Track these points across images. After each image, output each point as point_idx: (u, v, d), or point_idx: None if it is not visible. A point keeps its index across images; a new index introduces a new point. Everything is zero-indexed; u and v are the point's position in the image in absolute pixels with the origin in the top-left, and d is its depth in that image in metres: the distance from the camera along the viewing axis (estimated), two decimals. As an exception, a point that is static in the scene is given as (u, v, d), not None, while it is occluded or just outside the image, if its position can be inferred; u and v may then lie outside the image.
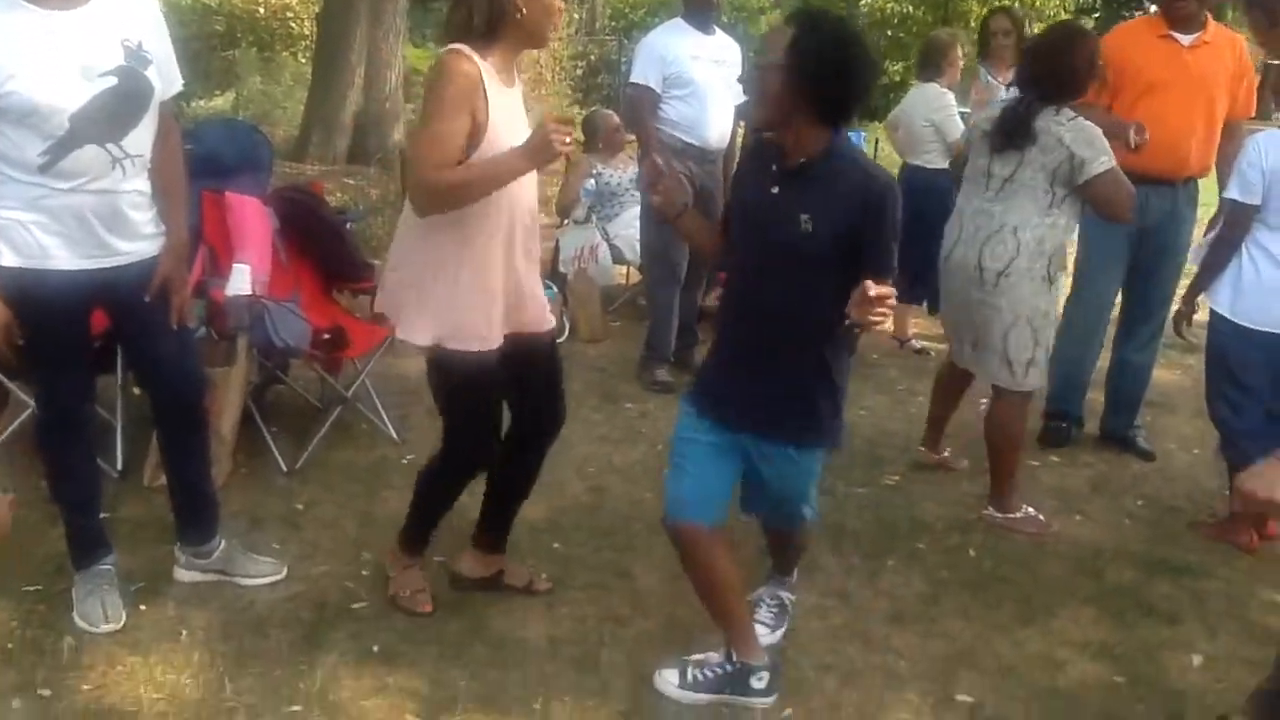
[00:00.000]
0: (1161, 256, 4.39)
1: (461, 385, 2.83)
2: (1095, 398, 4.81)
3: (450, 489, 3.05)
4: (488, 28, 2.63)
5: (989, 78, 5.62)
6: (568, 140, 2.49)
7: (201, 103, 12.93)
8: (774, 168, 2.59)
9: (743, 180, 2.82)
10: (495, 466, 3.07)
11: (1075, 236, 3.85)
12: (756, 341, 2.68)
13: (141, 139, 2.73)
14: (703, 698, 2.80)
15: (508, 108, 2.71)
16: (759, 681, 2.79)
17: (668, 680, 2.83)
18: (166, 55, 2.79)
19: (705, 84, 5.04)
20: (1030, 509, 3.97)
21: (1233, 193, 3.63)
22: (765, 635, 3.02)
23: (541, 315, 2.98)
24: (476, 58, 2.61)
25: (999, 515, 3.93)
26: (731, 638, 2.83)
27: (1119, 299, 4.64)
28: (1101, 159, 3.56)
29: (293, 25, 15.36)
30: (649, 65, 5.09)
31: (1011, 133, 3.64)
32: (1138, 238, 4.39)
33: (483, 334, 2.77)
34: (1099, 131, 3.61)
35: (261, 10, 15.44)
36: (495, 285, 2.78)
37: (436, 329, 2.77)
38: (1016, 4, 14.23)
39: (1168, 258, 4.39)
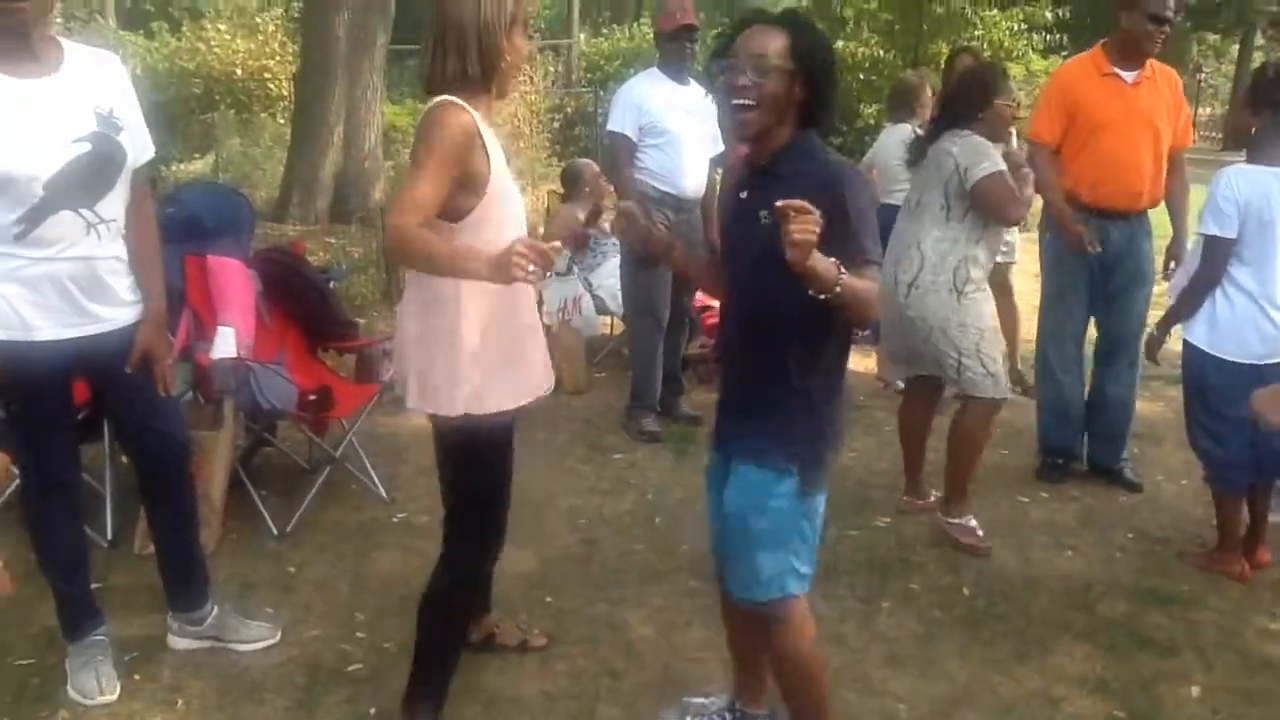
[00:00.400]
0: (1128, 287, 4.48)
1: (483, 448, 2.69)
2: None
3: (466, 607, 2.89)
4: (483, 76, 2.56)
5: None
6: (530, 270, 2.24)
7: (181, 166, 12.98)
8: (745, 173, 2.53)
9: (722, 202, 2.78)
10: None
11: (984, 248, 3.93)
12: (733, 354, 2.58)
13: (114, 205, 2.75)
14: None
15: (502, 153, 2.64)
16: None
17: None
18: (137, 122, 2.82)
19: (680, 133, 5.11)
20: (973, 521, 4.06)
21: (1210, 228, 3.66)
22: None
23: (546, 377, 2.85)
24: (469, 108, 2.51)
25: (944, 519, 4.09)
26: (741, 685, 2.83)
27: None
28: (984, 165, 3.80)
29: (270, 86, 15.46)
30: (626, 114, 5.16)
31: (915, 156, 4.09)
32: (1099, 270, 4.48)
33: (501, 396, 2.63)
34: (984, 144, 3.87)
35: (239, 72, 15.54)
36: (516, 343, 2.69)
37: (467, 397, 2.59)
38: (985, 45, 14.47)
39: (1134, 288, 4.47)
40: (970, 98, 3.97)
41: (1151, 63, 4.42)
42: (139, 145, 2.82)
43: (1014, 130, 5.52)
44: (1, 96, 2.55)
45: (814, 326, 2.36)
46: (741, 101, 2.35)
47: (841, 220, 2.26)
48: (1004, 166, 3.84)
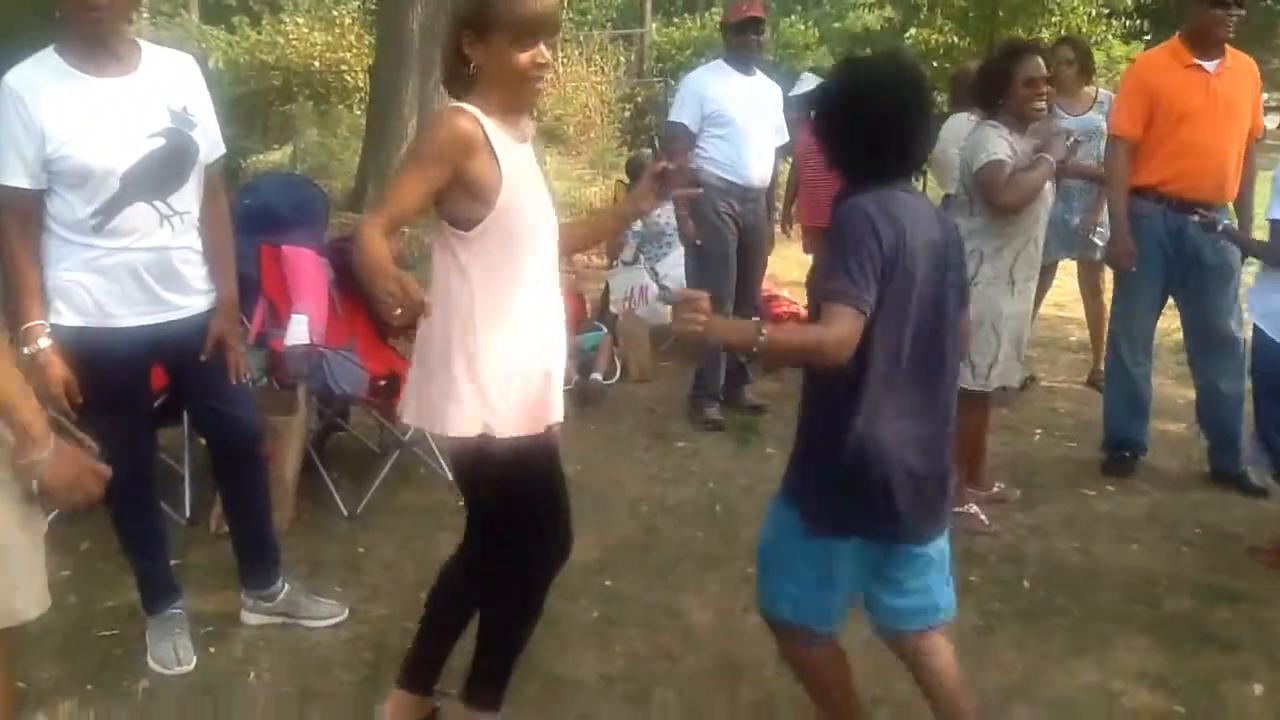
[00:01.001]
0: (1213, 285, 4.38)
1: (510, 480, 2.49)
2: (1159, 427, 4.79)
3: (469, 612, 2.75)
4: (461, 89, 2.43)
5: (1057, 109, 5.58)
6: (397, 313, 2.16)
7: (260, 156, 13.27)
8: None
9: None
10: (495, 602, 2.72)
11: (1001, 243, 3.87)
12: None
13: (187, 197, 2.86)
14: None
15: (520, 163, 2.45)
16: None
17: None
18: (210, 120, 2.93)
19: (744, 123, 5.13)
20: (974, 507, 4.07)
21: (1274, 212, 3.64)
22: None
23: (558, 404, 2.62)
24: (479, 114, 2.36)
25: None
26: None
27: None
28: (980, 155, 3.78)
29: (347, 78, 15.71)
30: (686, 104, 5.21)
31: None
32: (1178, 266, 4.41)
33: (528, 417, 2.49)
34: (992, 134, 3.81)
35: (317, 64, 15.82)
36: (525, 366, 2.49)
37: (484, 417, 2.43)
38: (1063, 30, 14.20)
39: (1217, 283, 4.37)
40: (985, 88, 3.92)
41: (1230, 51, 4.35)
42: (211, 142, 2.94)
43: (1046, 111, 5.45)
44: (83, 94, 2.68)
45: (832, 374, 2.25)
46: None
47: (826, 260, 2.28)
48: (1002, 155, 3.74)
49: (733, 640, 3.29)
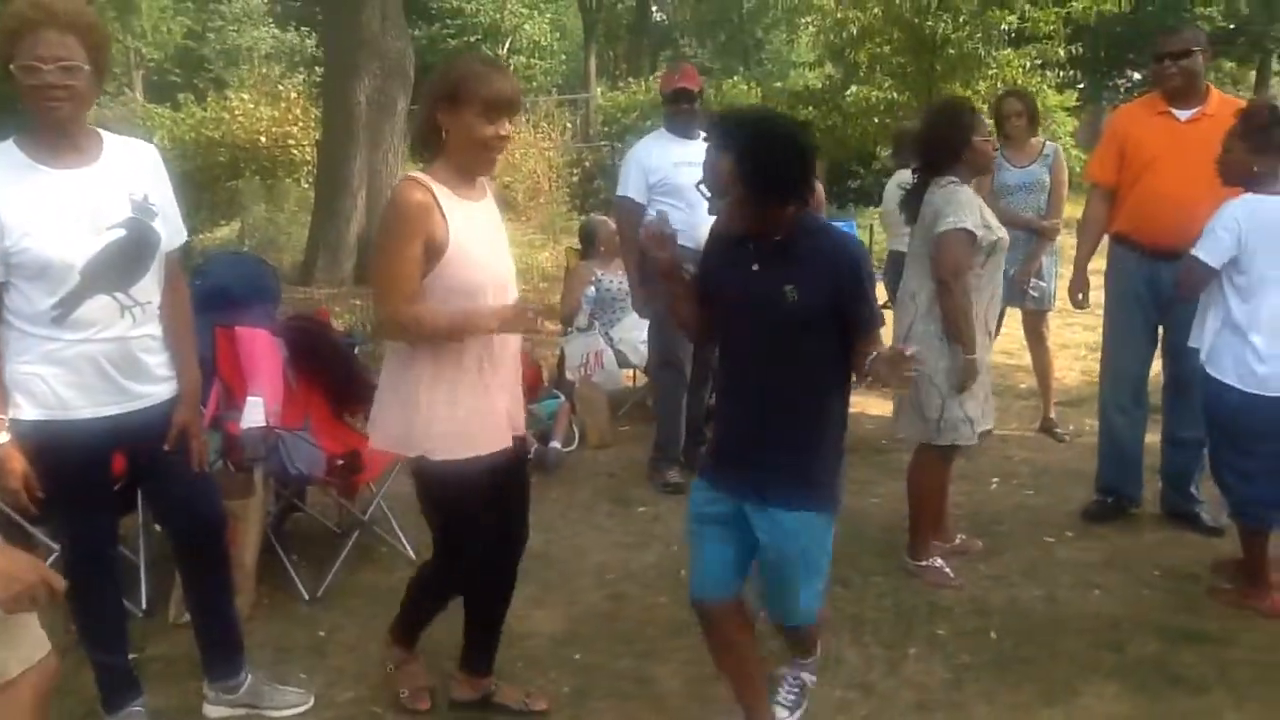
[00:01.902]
0: (1185, 329, 4.28)
1: (445, 497, 2.92)
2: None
3: (442, 597, 3.22)
4: (431, 152, 2.84)
5: (1002, 160, 5.66)
6: (539, 325, 2.70)
7: (207, 234, 13.23)
8: (750, 247, 2.73)
9: (713, 264, 2.88)
10: (469, 591, 3.15)
11: (982, 298, 3.95)
12: (751, 411, 2.79)
13: (149, 287, 2.85)
14: None
15: (471, 221, 2.82)
16: None
17: None
18: (171, 208, 2.93)
19: (692, 189, 5.15)
20: (939, 561, 4.13)
21: (1197, 250, 3.74)
22: (783, 717, 3.12)
23: (517, 419, 3.05)
24: (430, 181, 2.75)
25: (910, 563, 4.16)
26: (748, 716, 2.94)
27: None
28: (949, 219, 3.81)
29: (294, 152, 15.76)
30: (631, 177, 5.25)
31: (908, 208, 4.11)
32: (1156, 311, 4.49)
33: (462, 445, 2.85)
34: (966, 197, 3.86)
35: (264, 139, 15.86)
36: (467, 401, 2.85)
37: (421, 441, 2.85)
38: (999, 84, 14.55)
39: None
40: (948, 143, 3.94)
41: (1220, 99, 4.44)
42: (172, 229, 2.93)
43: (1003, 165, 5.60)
44: (42, 186, 2.67)
45: (835, 377, 2.78)
46: (719, 212, 2.90)
47: (856, 293, 2.69)
48: (969, 225, 3.78)
49: (705, 709, 3.26)
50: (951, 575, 4.09)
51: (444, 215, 2.74)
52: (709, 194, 3.41)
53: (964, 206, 3.82)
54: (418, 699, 3.21)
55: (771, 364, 2.72)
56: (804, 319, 2.67)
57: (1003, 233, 3.97)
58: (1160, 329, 4.57)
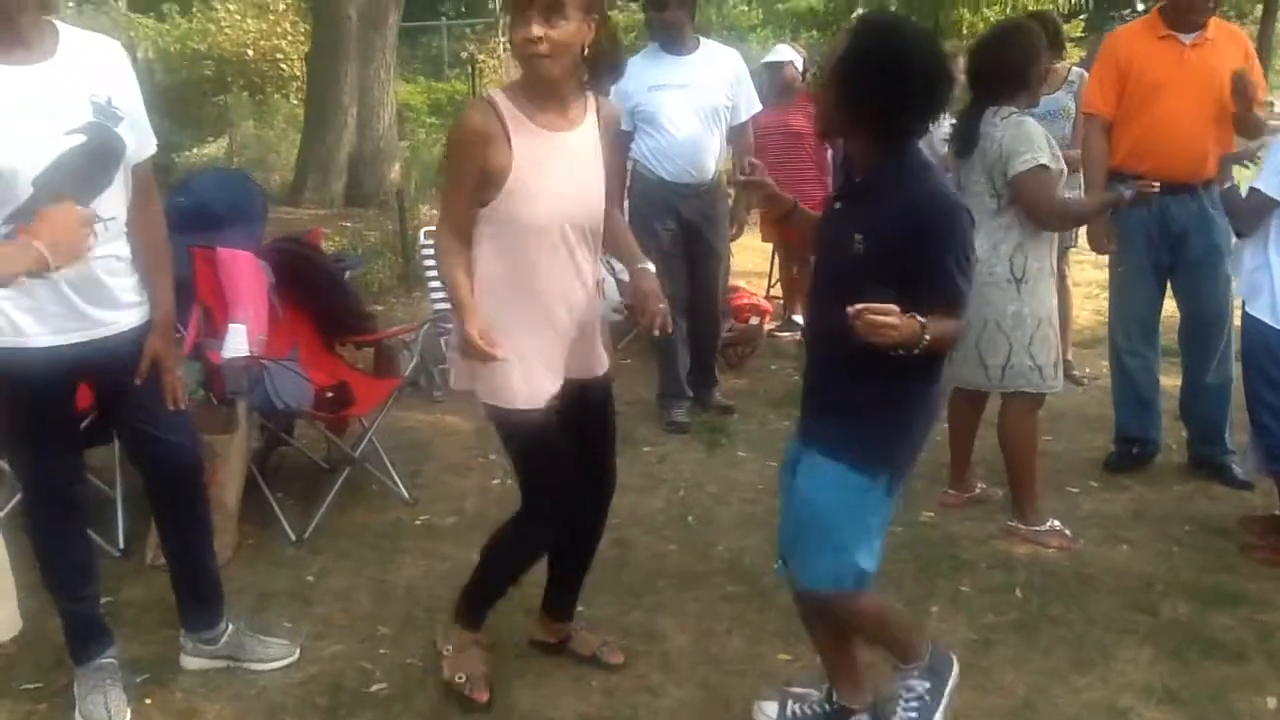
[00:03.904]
0: (1201, 269, 4.20)
1: (518, 442, 2.73)
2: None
3: (520, 554, 2.89)
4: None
5: None
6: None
7: (194, 151, 12.82)
8: (840, 178, 2.53)
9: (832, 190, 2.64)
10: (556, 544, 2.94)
11: (1038, 233, 3.72)
12: (815, 352, 2.59)
13: (114, 202, 2.56)
14: None
15: (547, 150, 2.55)
16: None
17: (766, 712, 2.79)
18: (139, 113, 2.63)
19: (669, 115, 4.78)
20: (1056, 522, 3.89)
21: (1257, 182, 3.55)
22: None
23: (591, 361, 2.83)
24: (503, 101, 2.53)
25: (1022, 528, 3.90)
26: (834, 678, 2.75)
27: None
28: (1025, 156, 3.56)
29: (283, 67, 15.28)
30: (613, 100, 4.84)
31: (960, 140, 3.75)
32: (1168, 250, 4.25)
33: (519, 394, 2.65)
34: (1034, 129, 3.62)
35: (251, 53, 15.35)
36: (529, 346, 2.64)
37: (478, 382, 2.68)
38: (1010, 9, 14.16)
39: (1208, 268, 4.17)
40: (1016, 70, 3.66)
41: (1216, 23, 4.19)
42: (141, 137, 2.63)
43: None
44: None
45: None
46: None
47: (922, 259, 2.29)
48: (1046, 160, 3.57)
49: (716, 669, 3.07)
50: (1070, 535, 3.85)
51: (510, 141, 2.50)
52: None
53: (1036, 140, 3.58)
54: (476, 688, 2.85)
55: (835, 311, 2.33)
56: (871, 273, 2.31)
57: (1064, 162, 3.74)
58: (1159, 270, 4.34)
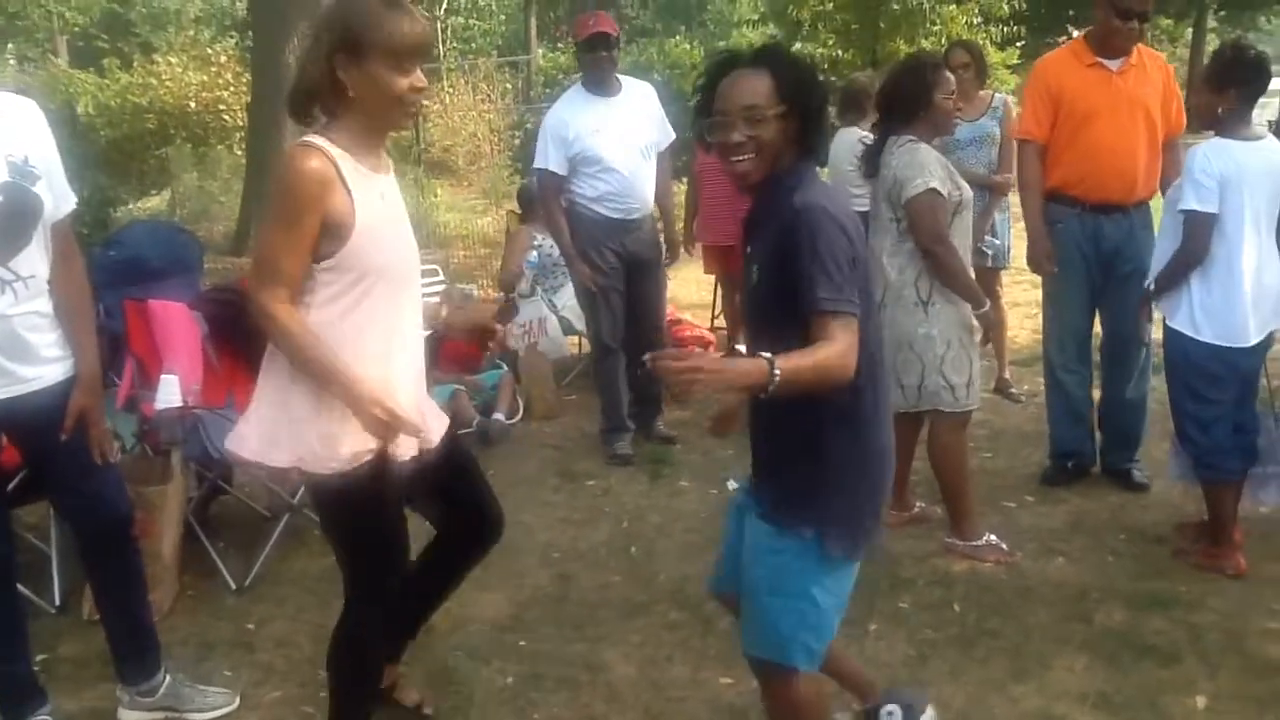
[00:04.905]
0: (1127, 285, 4.28)
1: (337, 511, 2.50)
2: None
3: (361, 647, 2.63)
4: (328, 113, 2.37)
5: None
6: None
7: (136, 204, 12.74)
8: (746, 226, 2.38)
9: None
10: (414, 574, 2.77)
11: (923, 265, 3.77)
12: (751, 412, 2.37)
13: (33, 260, 2.57)
14: None
15: (378, 197, 2.41)
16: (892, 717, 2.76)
17: None
18: (57, 171, 2.64)
19: (613, 156, 4.86)
20: (993, 537, 3.95)
21: (1190, 204, 3.58)
22: None
23: (428, 420, 2.60)
24: (330, 148, 2.31)
25: (960, 544, 3.95)
26: (850, 691, 2.79)
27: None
28: (916, 181, 3.64)
29: (226, 118, 15.23)
30: (551, 149, 4.90)
31: (866, 164, 3.89)
32: (1097, 268, 4.35)
33: (342, 452, 2.38)
34: (928, 156, 3.70)
35: (193, 104, 15.31)
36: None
37: (295, 450, 2.39)
38: (943, 40, 14.44)
39: (1134, 285, 4.22)
40: (909, 99, 3.77)
41: (1140, 49, 4.31)
42: (59, 194, 2.64)
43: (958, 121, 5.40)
44: None
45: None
46: (740, 158, 2.20)
47: (793, 263, 2.12)
48: (936, 184, 3.63)
49: (659, 696, 3.09)
50: (1007, 549, 3.92)
51: (348, 190, 2.31)
52: None
53: (927, 166, 3.65)
54: None
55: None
56: (768, 304, 2.21)
57: (966, 189, 3.82)
58: (1092, 288, 4.43)
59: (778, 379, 1.96)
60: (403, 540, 2.59)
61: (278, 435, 2.40)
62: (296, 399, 2.38)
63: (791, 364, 1.99)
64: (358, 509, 2.45)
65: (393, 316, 2.44)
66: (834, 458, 2.23)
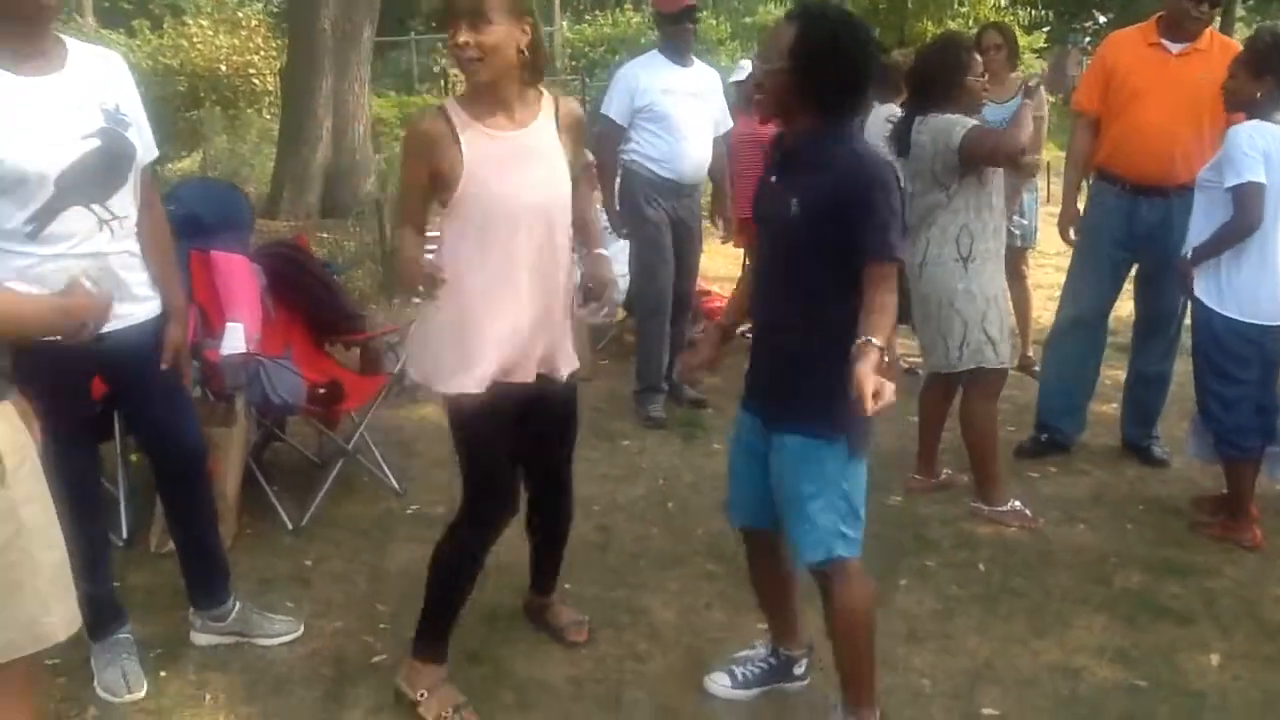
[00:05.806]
0: (1161, 268, 4.32)
1: (462, 428, 2.75)
2: (1094, 408, 4.89)
3: (460, 563, 2.85)
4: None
5: None
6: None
7: (169, 165, 12.88)
8: (776, 155, 2.64)
9: (763, 172, 2.76)
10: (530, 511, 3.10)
11: (980, 216, 3.93)
12: (769, 326, 2.70)
13: (126, 201, 2.73)
14: (754, 692, 2.98)
15: (498, 150, 2.63)
16: (799, 668, 2.98)
17: (719, 683, 2.98)
18: (143, 120, 2.80)
19: (679, 118, 5.06)
20: (1017, 503, 4.10)
21: (1242, 176, 3.58)
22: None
23: (557, 359, 2.86)
24: (454, 108, 2.63)
25: (986, 509, 4.09)
26: (776, 629, 3.00)
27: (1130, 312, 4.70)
28: (955, 130, 3.80)
29: (255, 82, 15.38)
30: (617, 99, 5.11)
31: (896, 141, 4.08)
32: (1130, 249, 4.45)
33: (460, 376, 2.67)
34: (950, 118, 3.85)
35: (224, 68, 15.44)
36: (490, 333, 2.68)
37: (422, 367, 2.80)
38: (971, 22, 14.47)
39: (1167, 269, 4.23)
40: (941, 79, 3.91)
41: (1212, 35, 4.35)
42: (145, 142, 2.80)
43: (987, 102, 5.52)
44: (9, 94, 2.52)
45: (845, 303, 2.43)
46: (757, 97, 2.61)
47: (863, 215, 2.40)
48: (972, 121, 3.84)
49: (699, 638, 3.26)
50: (1031, 515, 4.06)
51: (460, 145, 2.59)
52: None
53: (952, 122, 3.83)
54: (468, 713, 2.83)
55: (783, 284, 2.57)
56: (805, 237, 2.47)
57: None
58: (1134, 266, 4.55)
59: (886, 357, 2.31)
60: (512, 480, 2.89)
61: (423, 359, 2.80)
62: (433, 328, 2.76)
63: (882, 337, 2.32)
64: (480, 428, 2.72)
65: (512, 251, 2.68)
66: (837, 370, 2.43)
